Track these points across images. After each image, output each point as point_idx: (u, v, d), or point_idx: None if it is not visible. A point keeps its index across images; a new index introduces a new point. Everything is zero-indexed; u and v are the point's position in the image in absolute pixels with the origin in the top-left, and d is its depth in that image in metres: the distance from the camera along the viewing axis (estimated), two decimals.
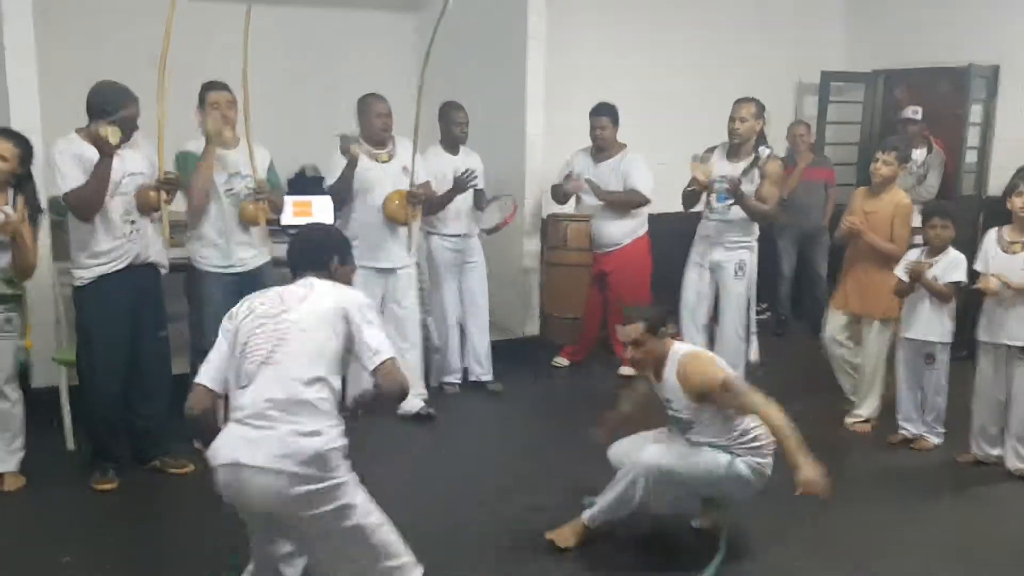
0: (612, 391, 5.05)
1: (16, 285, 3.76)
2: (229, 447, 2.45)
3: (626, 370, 5.40)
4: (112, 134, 3.54)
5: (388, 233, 4.59)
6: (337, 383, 2.53)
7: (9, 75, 4.31)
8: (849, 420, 4.74)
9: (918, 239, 4.50)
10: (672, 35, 6.44)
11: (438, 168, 4.94)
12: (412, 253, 4.73)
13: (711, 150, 4.87)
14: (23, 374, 4.47)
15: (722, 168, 4.73)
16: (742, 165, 4.71)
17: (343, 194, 4.57)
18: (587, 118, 5.35)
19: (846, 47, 7.26)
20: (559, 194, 5.45)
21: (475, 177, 4.85)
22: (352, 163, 4.44)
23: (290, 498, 2.38)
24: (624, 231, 5.35)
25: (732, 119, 4.70)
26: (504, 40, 5.71)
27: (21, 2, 4.27)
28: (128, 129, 3.68)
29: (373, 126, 4.58)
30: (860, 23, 7.21)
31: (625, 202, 5.30)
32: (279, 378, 2.46)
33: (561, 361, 5.69)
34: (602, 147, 5.33)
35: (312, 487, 2.38)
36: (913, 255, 4.34)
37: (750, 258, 4.79)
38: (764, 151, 4.68)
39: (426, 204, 4.71)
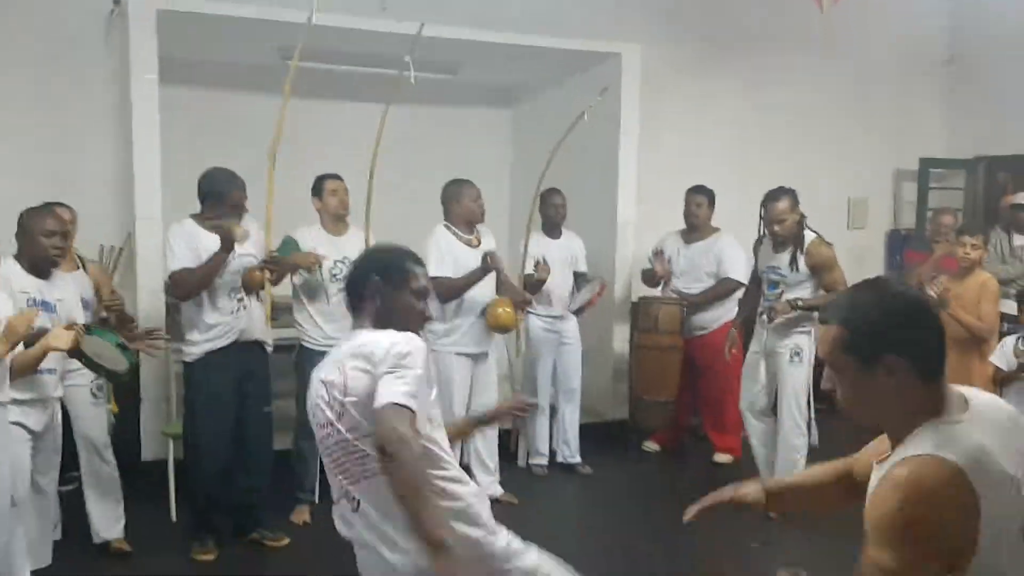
0: (703, 478, 5.01)
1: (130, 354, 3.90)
2: None
3: (721, 457, 5.32)
4: (241, 234, 3.77)
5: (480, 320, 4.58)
6: None
7: (136, 164, 4.66)
8: None
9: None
10: (766, 121, 6.47)
11: (540, 252, 5.06)
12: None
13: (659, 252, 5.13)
14: (135, 446, 4.73)
15: (767, 259, 4.52)
16: (786, 256, 4.43)
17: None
18: (675, 205, 5.41)
19: (945, 133, 7.15)
20: (649, 277, 5.48)
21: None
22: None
23: None
24: (715, 315, 5.33)
25: (770, 223, 4.39)
26: (599, 130, 5.87)
27: (149, 93, 4.63)
28: (238, 213, 3.89)
29: (466, 209, 4.65)
30: (959, 109, 7.11)
31: (720, 295, 5.30)
32: None
33: (651, 446, 5.62)
34: (696, 226, 5.34)
35: None
36: (1010, 342, 4.19)
37: (808, 343, 4.44)
38: (809, 235, 4.40)
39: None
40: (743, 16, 6.21)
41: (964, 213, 6.93)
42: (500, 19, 5.36)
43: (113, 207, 4.89)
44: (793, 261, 4.37)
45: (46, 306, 3.42)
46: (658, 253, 5.39)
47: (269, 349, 4.17)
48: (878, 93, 6.84)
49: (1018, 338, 4.20)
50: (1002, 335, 4.63)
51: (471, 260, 4.53)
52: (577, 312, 5.30)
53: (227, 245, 3.75)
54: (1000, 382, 4.21)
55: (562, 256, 5.17)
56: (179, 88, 5.08)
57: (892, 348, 1.55)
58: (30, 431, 3.37)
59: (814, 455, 4.55)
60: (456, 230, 4.63)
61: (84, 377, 3.80)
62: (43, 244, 3.43)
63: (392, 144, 5.89)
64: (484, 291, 4.55)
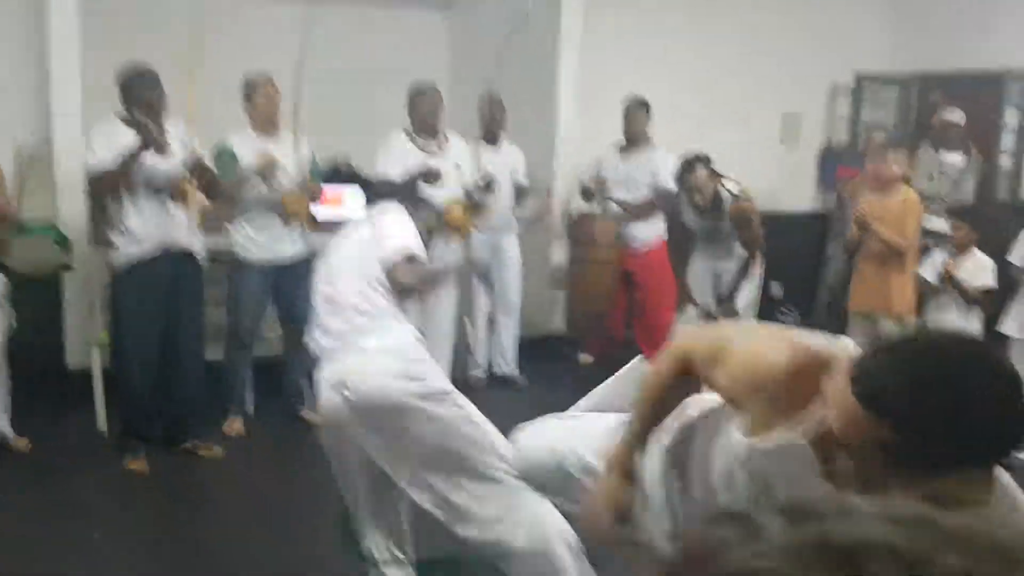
0: None
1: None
2: None
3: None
4: (161, 139, 3.59)
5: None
6: None
7: (53, 65, 4.40)
8: None
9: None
10: (707, 34, 6.39)
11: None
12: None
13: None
14: (58, 354, 4.59)
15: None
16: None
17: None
18: (618, 116, 5.37)
19: (883, 49, 7.18)
20: (587, 193, 5.47)
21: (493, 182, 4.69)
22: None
23: None
24: (652, 230, 5.35)
25: (690, 192, 4.55)
26: (538, 38, 5.73)
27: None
28: (157, 112, 3.70)
29: (418, 116, 4.58)
30: (896, 26, 7.13)
31: (653, 208, 5.31)
32: None
33: (586, 358, 5.70)
34: (633, 138, 5.32)
35: None
36: (939, 257, 4.33)
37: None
38: (726, 194, 4.52)
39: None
40: None
41: (897, 128, 7.05)
42: None
43: (26, 104, 4.62)
44: (714, 218, 4.57)
45: None
46: (597, 179, 5.38)
47: (199, 258, 4.05)
48: (817, 5, 6.82)
49: (947, 253, 4.33)
50: (924, 250, 4.80)
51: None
52: (531, 223, 5.25)
53: (146, 139, 3.57)
54: (922, 295, 4.36)
55: (501, 165, 5.08)
56: None
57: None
58: None
59: None
60: (414, 135, 4.53)
61: None
62: None
63: (320, 47, 5.70)
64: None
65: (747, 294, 4.69)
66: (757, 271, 4.72)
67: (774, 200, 6.84)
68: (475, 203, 4.50)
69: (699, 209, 4.55)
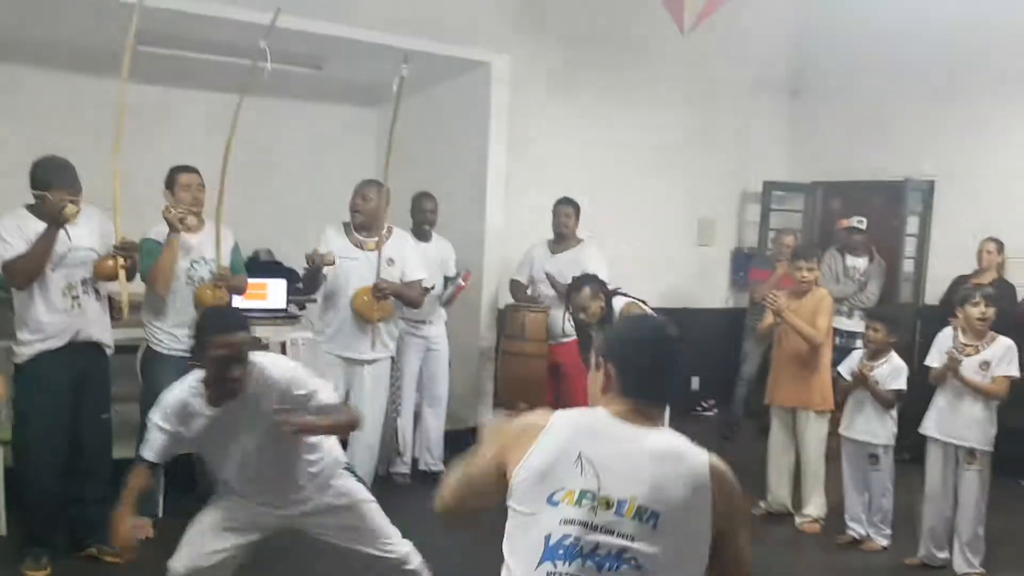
0: None
1: None
2: None
3: None
4: (71, 212, 3.51)
5: (357, 327, 4.48)
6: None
7: None
8: (798, 520, 4.78)
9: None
10: (625, 140, 6.68)
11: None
12: (377, 348, 4.57)
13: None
14: None
15: None
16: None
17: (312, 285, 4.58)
18: (544, 213, 5.50)
19: (787, 159, 7.61)
20: (518, 289, 5.52)
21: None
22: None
23: None
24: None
25: (576, 311, 4.49)
26: (468, 137, 5.88)
27: None
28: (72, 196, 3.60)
29: (350, 209, 4.55)
30: (801, 136, 7.59)
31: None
32: None
33: None
34: (564, 236, 5.43)
35: None
36: (856, 357, 4.51)
37: None
38: (618, 305, 4.51)
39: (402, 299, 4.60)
40: (609, 30, 6.38)
41: (803, 234, 7.39)
42: (370, 16, 5.25)
43: None
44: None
45: None
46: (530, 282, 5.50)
47: (109, 351, 3.89)
48: (727, 118, 7.22)
49: (863, 355, 4.50)
50: (836, 348, 5.00)
51: (359, 262, 4.46)
52: (446, 304, 5.23)
53: (59, 219, 3.48)
54: (842, 391, 4.51)
55: (432, 260, 5.09)
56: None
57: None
58: None
59: None
60: (350, 229, 4.54)
61: None
62: None
63: (251, 138, 5.69)
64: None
65: None
66: None
67: (692, 298, 7.08)
68: (381, 293, 4.43)
69: (588, 325, 4.54)
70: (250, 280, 5.23)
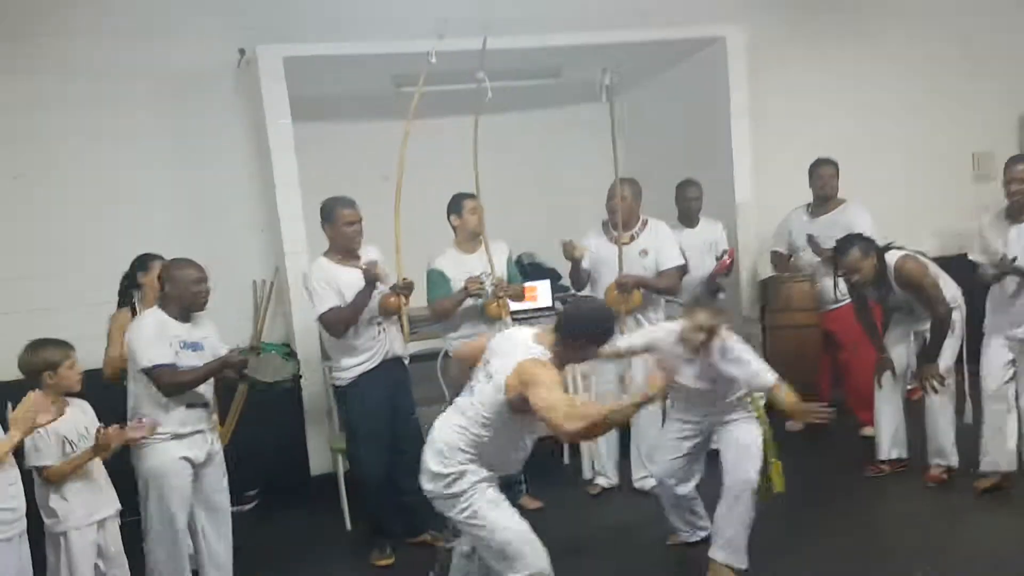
0: (851, 456, 5.00)
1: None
2: None
3: (868, 431, 5.19)
4: (383, 273, 4.06)
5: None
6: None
7: (280, 204, 5.00)
8: None
9: None
10: (875, 89, 6.36)
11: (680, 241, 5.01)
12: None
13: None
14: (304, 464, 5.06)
15: None
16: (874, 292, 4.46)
17: (577, 283, 4.88)
18: (793, 181, 5.42)
19: None
20: (780, 260, 5.50)
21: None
22: (575, 264, 4.71)
23: None
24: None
25: (848, 273, 4.35)
26: (710, 117, 5.91)
27: (284, 135, 4.96)
28: (349, 236, 4.12)
29: (610, 209, 4.75)
30: None
31: None
32: None
33: (793, 425, 5.50)
34: (826, 197, 5.31)
35: None
36: None
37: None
38: (891, 260, 4.32)
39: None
40: None
41: None
42: (601, 18, 5.47)
43: (259, 245, 5.27)
44: (885, 292, 4.39)
45: (195, 346, 3.65)
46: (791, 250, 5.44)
47: (407, 363, 4.39)
48: (991, 38, 6.61)
49: None
50: None
51: (613, 257, 4.69)
52: (713, 288, 5.28)
53: (370, 283, 4.02)
54: None
55: (700, 244, 5.21)
56: (305, 124, 5.29)
57: None
58: (192, 463, 3.66)
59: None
60: (608, 227, 4.79)
61: None
62: (193, 291, 3.62)
63: (500, 150, 6.02)
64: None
65: (950, 352, 4.42)
66: (957, 325, 4.44)
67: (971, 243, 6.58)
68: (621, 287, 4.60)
69: (863, 286, 4.40)
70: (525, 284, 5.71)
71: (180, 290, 3.61)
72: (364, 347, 4.16)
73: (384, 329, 4.21)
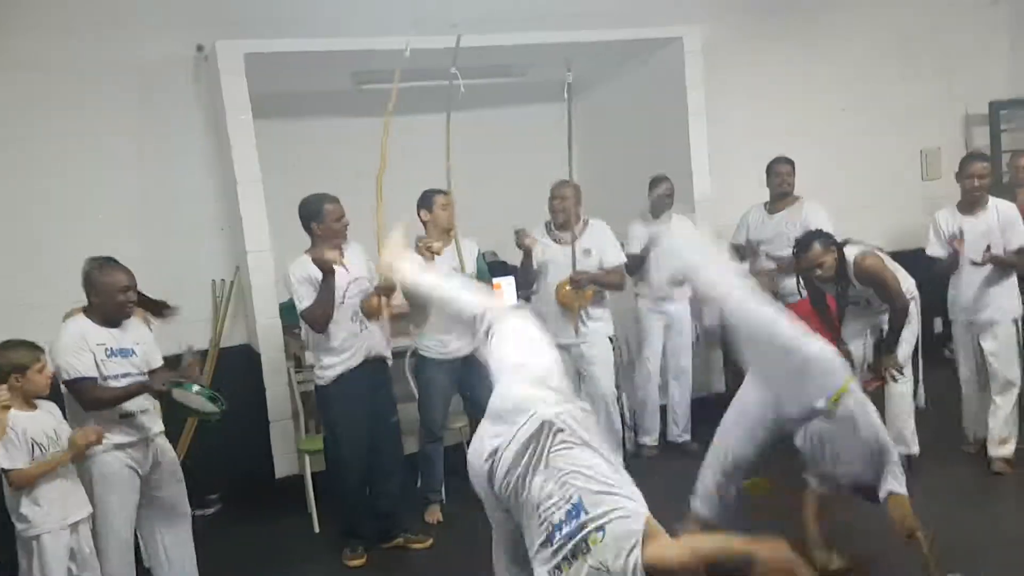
0: None
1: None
2: None
3: None
4: (333, 256, 3.95)
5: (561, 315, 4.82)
6: None
7: (241, 202, 4.89)
8: None
9: None
10: (827, 87, 6.52)
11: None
12: (580, 334, 4.85)
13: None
14: (267, 467, 4.98)
15: None
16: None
17: (526, 280, 4.95)
18: (749, 177, 5.55)
19: (1009, 75, 7.09)
20: (740, 252, 5.60)
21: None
22: (527, 253, 4.80)
23: None
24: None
25: (810, 268, 4.37)
26: (668, 116, 5.98)
27: (245, 131, 4.86)
28: (339, 231, 4.08)
29: (552, 209, 4.88)
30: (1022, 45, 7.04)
31: None
32: None
33: None
34: (783, 195, 5.40)
35: None
36: None
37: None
38: (851, 254, 4.38)
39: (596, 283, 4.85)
40: None
41: None
42: (563, 17, 5.50)
43: (219, 243, 5.16)
44: (844, 286, 4.43)
45: (124, 353, 3.50)
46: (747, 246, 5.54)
47: (389, 363, 4.35)
48: (936, 38, 6.82)
49: None
50: None
51: (558, 256, 4.84)
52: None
53: (325, 269, 3.92)
54: None
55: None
56: (267, 121, 5.19)
57: None
58: (138, 471, 3.56)
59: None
60: (551, 227, 4.90)
61: None
62: (118, 300, 3.44)
63: (464, 149, 6.02)
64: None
65: (908, 343, 4.56)
66: (914, 316, 4.58)
67: (924, 237, 6.76)
68: (577, 283, 4.74)
69: (824, 281, 4.46)
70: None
71: (103, 298, 3.43)
72: (344, 345, 4.10)
73: (366, 327, 4.15)
